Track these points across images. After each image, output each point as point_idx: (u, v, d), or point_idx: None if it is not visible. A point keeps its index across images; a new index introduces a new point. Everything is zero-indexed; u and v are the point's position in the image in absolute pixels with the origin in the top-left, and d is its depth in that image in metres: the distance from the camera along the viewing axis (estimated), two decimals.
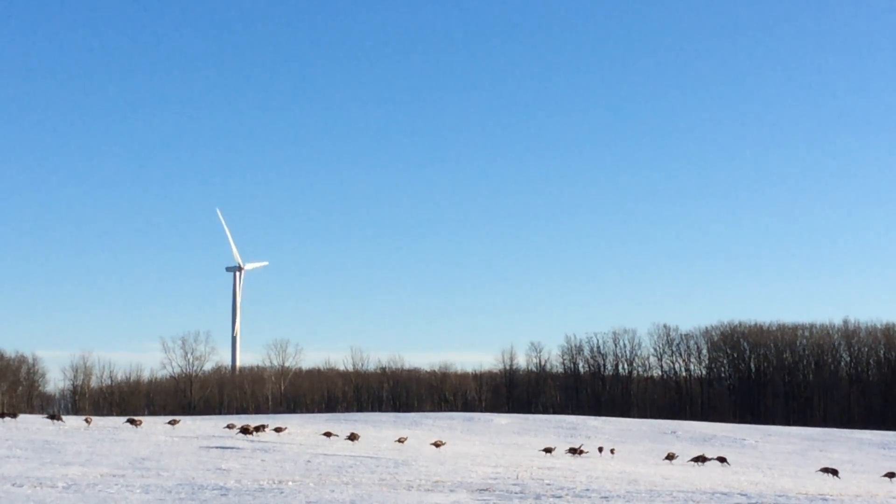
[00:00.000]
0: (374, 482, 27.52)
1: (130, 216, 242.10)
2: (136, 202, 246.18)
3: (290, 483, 26.52)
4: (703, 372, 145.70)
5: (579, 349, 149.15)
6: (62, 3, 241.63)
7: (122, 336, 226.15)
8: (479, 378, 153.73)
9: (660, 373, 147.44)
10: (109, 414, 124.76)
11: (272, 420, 69.40)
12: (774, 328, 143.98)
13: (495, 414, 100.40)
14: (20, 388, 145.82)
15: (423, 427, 72.84)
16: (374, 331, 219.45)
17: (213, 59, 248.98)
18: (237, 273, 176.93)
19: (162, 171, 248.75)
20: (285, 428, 52.08)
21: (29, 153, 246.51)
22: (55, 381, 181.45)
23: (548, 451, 48.58)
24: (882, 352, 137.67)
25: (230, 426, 52.53)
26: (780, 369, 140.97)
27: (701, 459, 46.25)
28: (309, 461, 34.36)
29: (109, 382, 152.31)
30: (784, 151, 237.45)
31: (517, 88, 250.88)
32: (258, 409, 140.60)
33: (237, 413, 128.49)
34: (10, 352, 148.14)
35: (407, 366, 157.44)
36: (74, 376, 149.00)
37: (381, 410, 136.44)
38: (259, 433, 48.23)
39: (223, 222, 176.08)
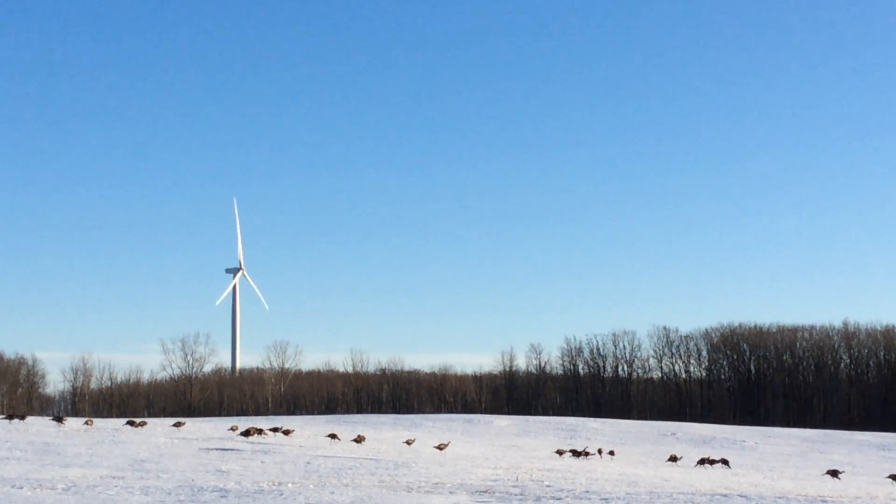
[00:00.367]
0: (374, 484, 27.51)
1: (130, 218, 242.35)
2: (135, 203, 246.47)
3: (290, 485, 26.51)
4: (703, 374, 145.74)
5: (579, 351, 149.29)
6: (62, 3, 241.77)
7: (121, 337, 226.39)
8: (479, 380, 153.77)
9: (659, 374, 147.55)
10: (109, 416, 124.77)
11: (274, 422, 69.35)
12: (774, 330, 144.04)
13: (495, 416, 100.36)
14: (20, 389, 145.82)
15: (422, 429, 72.80)
16: (373, 332, 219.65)
17: (213, 61, 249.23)
18: (237, 274, 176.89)
19: (162, 173, 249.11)
20: (293, 430, 51.57)
21: (29, 154, 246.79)
22: (55, 382, 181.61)
23: (560, 452, 48.96)
24: (882, 353, 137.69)
25: (233, 428, 52.49)
26: (780, 371, 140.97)
27: (709, 462, 46.05)
28: (309, 463, 34.35)
29: (109, 384, 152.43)
30: (784, 153, 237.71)
31: (517, 89, 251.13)
32: (258, 411, 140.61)
33: (237, 415, 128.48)
34: (9, 353, 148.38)
35: (407, 367, 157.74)
36: (74, 378, 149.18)
37: (380, 412, 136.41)
38: (261, 435, 47.95)
39: (237, 214, 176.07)
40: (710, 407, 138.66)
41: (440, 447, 45.99)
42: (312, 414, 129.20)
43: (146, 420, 60.83)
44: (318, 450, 41.61)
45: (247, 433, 47.52)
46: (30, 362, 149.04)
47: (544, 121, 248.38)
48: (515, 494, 25.52)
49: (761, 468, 50.71)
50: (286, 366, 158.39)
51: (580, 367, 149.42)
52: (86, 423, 54.45)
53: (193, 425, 57.78)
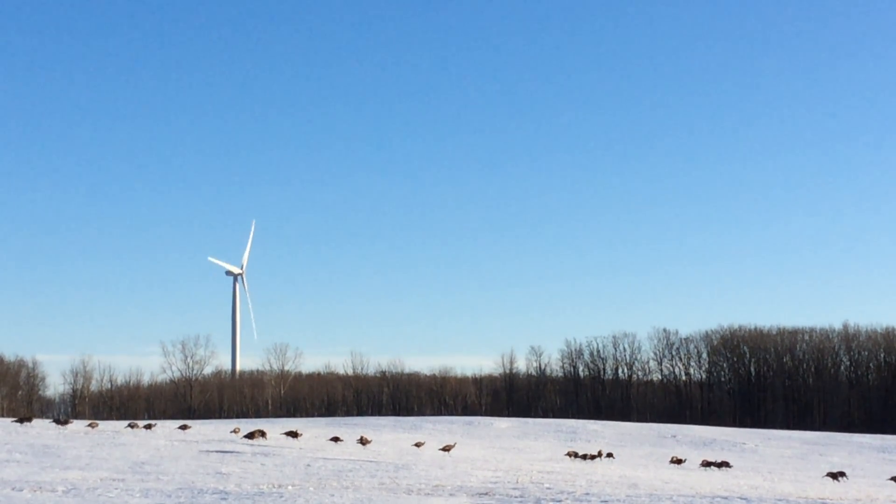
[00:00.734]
0: (375, 486, 27.51)
1: (130, 220, 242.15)
2: (135, 205, 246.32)
3: (290, 487, 26.51)
4: (703, 376, 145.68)
5: (579, 353, 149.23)
6: (62, 4, 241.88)
7: (121, 340, 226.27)
8: (479, 382, 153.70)
9: (660, 377, 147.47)
10: (109, 418, 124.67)
11: (276, 424, 69.32)
12: (774, 332, 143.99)
13: (495, 418, 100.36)
14: (20, 392, 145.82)
15: (423, 431, 72.83)
16: (373, 335, 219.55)
17: (214, 62, 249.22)
18: (237, 278, 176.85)
19: (162, 174, 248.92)
20: (301, 433, 51.23)
21: (29, 156, 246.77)
22: (55, 385, 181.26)
23: (570, 455, 49.06)
24: (882, 356, 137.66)
25: (235, 430, 52.42)
26: (780, 373, 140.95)
27: (715, 465, 45.92)
28: (309, 465, 34.35)
29: (109, 386, 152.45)
30: (784, 155, 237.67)
31: (517, 91, 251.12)
32: (258, 414, 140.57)
33: (237, 417, 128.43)
34: (9, 356, 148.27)
35: (407, 370, 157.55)
36: (74, 380, 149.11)
37: (380, 414, 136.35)
38: (264, 438, 47.76)
39: (252, 233, 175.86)
40: (710, 409, 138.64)
41: (446, 449, 45.76)
42: (312, 416, 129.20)
43: (153, 423, 60.91)
44: (318, 452, 41.61)
45: (250, 436, 47.36)
46: (30, 365, 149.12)
47: (545, 123, 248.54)
48: (515, 497, 25.51)
49: (761, 470, 50.70)
50: (286, 368, 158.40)
51: (580, 369, 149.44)
52: (89, 425, 54.47)
53: (194, 427, 57.84)
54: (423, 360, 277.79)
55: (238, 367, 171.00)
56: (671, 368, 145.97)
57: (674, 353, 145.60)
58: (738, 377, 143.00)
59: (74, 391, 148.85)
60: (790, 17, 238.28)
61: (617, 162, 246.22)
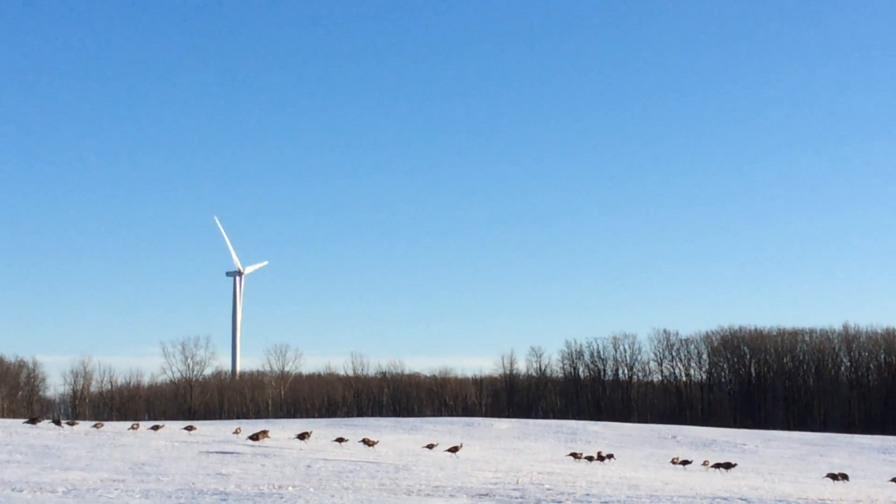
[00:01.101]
0: (375, 487, 27.50)
1: (130, 220, 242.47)
2: (135, 206, 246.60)
3: (291, 488, 26.51)
4: (704, 377, 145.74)
5: (579, 354, 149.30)
6: (63, 4, 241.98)
7: (122, 341, 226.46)
8: (480, 383, 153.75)
9: (660, 378, 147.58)
10: (109, 419, 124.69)
11: (274, 425, 69.31)
12: (775, 333, 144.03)
13: (495, 419, 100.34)
14: (20, 392, 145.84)
15: (423, 432, 72.83)
16: (374, 336, 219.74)
17: (213, 62, 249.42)
18: (237, 278, 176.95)
19: (162, 175, 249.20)
20: (310, 433, 51.03)
21: (29, 156, 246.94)
22: (55, 385, 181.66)
23: (575, 455, 49.12)
24: (882, 356, 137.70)
25: (236, 431, 52.38)
26: (781, 374, 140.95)
27: (724, 466, 45.79)
28: (309, 466, 34.34)
29: (109, 387, 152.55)
30: (784, 156, 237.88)
31: (517, 91, 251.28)
32: (258, 415, 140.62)
33: (237, 418, 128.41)
34: (9, 356, 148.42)
35: (407, 370, 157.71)
36: (74, 381, 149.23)
37: (381, 415, 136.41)
38: (267, 438, 47.59)
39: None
40: (710, 410, 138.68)
41: (453, 450, 45.47)
42: (313, 417, 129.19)
43: (160, 423, 60.92)
44: (319, 453, 41.59)
45: (255, 437, 47.17)
46: (30, 365, 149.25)
47: (545, 123, 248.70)
48: (516, 497, 25.50)
49: (762, 471, 50.69)
50: (286, 369, 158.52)
51: (580, 370, 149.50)
52: (95, 426, 54.48)
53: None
54: (423, 360, 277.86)
55: (238, 368, 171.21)
56: (671, 369, 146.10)
57: (674, 353, 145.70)
58: (739, 378, 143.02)
59: (75, 392, 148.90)
60: (790, 17, 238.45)
61: (617, 162, 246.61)
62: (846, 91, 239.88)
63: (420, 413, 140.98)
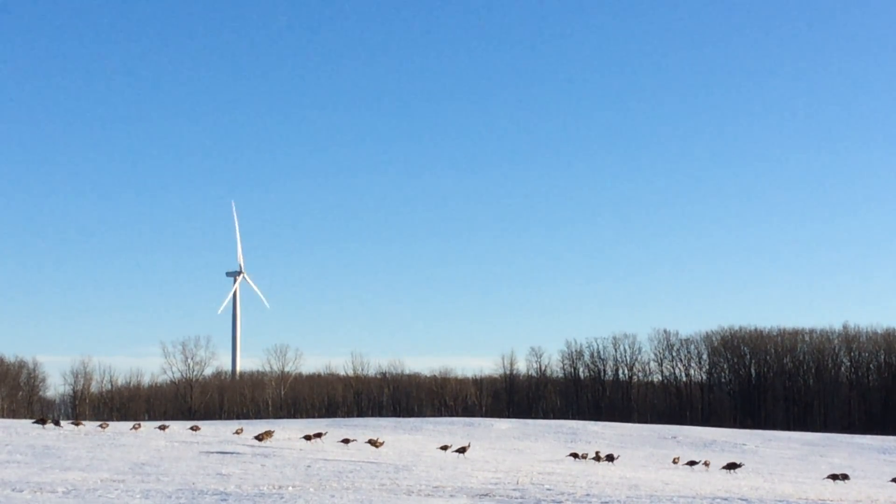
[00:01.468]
0: (375, 487, 27.50)
1: (130, 220, 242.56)
2: (136, 206, 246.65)
3: (291, 488, 26.50)
4: (704, 377, 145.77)
5: (580, 354, 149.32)
6: (63, 4, 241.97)
7: (122, 341, 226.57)
8: (480, 383, 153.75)
9: (660, 378, 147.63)
10: (110, 419, 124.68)
11: (275, 425, 69.29)
12: (775, 333, 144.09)
13: (496, 419, 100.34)
14: (20, 393, 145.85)
15: (423, 432, 72.84)
16: (374, 336, 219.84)
17: (213, 63, 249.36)
18: (237, 278, 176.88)
19: (162, 175, 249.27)
20: (323, 434, 50.81)
21: (29, 157, 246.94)
22: (55, 386, 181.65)
23: (574, 456, 49.14)
24: (882, 357, 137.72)
25: (238, 431, 52.32)
26: (781, 374, 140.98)
27: (731, 467, 45.73)
28: (309, 466, 34.34)
29: (110, 387, 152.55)
30: (784, 156, 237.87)
31: (516, 92, 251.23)
32: (258, 415, 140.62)
33: (237, 418, 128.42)
34: (10, 357, 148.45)
35: (407, 371, 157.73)
36: (75, 381, 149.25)
37: (381, 416, 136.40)
38: (271, 438, 47.46)
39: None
40: (710, 410, 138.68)
41: (461, 450, 45.25)
42: (313, 417, 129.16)
43: (167, 423, 60.95)
44: (319, 453, 41.58)
45: (260, 437, 47.01)
46: (30, 365, 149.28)
47: (545, 123, 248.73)
48: (516, 498, 25.50)
49: (762, 471, 50.69)
50: (286, 369, 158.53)
51: (581, 370, 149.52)
52: (100, 426, 54.44)
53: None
54: (423, 360, 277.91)
55: (238, 368, 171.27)
56: (671, 369, 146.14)
57: (674, 354, 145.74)
58: (739, 378, 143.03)
59: (75, 392, 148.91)
60: (790, 17, 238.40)
61: (617, 162, 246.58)
62: (846, 91, 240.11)
63: (420, 413, 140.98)
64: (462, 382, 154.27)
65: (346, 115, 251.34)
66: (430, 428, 77.68)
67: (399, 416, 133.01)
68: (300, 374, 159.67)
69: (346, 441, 48.56)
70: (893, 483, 41.24)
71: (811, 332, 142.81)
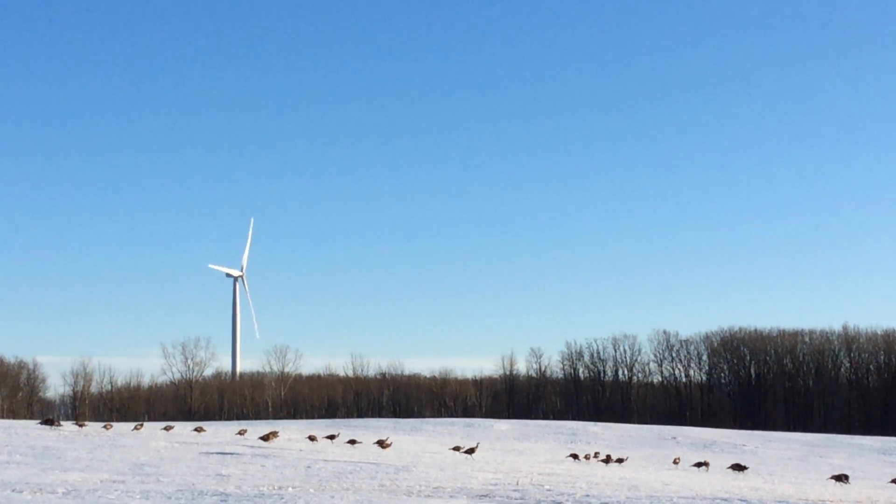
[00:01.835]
0: (375, 488, 27.49)
1: (131, 221, 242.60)
2: (136, 206, 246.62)
3: (291, 489, 26.50)
4: (704, 378, 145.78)
5: (579, 355, 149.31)
6: (63, 4, 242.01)
7: (122, 341, 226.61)
8: (480, 384, 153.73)
9: (660, 379, 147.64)
10: (110, 419, 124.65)
11: (274, 426, 69.25)
12: (774, 334, 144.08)
13: (495, 420, 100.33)
14: (20, 393, 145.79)
15: (423, 433, 72.84)
16: (374, 336, 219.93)
17: (215, 64, 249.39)
18: (237, 280, 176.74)
19: (162, 175, 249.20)
20: (337, 434, 50.58)
21: (29, 157, 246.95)
22: (55, 386, 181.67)
23: (574, 456, 49.26)
24: (882, 358, 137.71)
25: (241, 432, 52.24)
26: (781, 375, 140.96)
27: (738, 467, 45.71)
28: (309, 467, 34.33)
29: (110, 388, 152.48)
30: (784, 156, 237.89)
31: (518, 92, 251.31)
32: (258, 415, 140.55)
33: (237, 419, 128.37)
34: (10, 357, 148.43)
35: (407, 371, 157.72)
36: (75, 382, 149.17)
37: (381, 416, 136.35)
38: (276, 439, 47.31)
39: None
40: (710, 411, 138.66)
41: (470, 451, 45.06)
42: (313, 418, 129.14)
43: (172, 424, 61.00)
44: (319, 454, 41.57)
45: (266, 437, 46.89)
46: (30, 366, 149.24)
47: (545, 124, 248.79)
48: (516, 498, 25.49)
49: (762, 472, 50.68)
50: (286, 370, 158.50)
51: (580, 371, 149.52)
52: (105, 426, 54.33)
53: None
54: (423, 361, 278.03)
55: (238, 369, 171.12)
56: (671, 370, 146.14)
57: (674, 354, 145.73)
58: (739, 379, 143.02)
59: (75, 393, 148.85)
60: (790, 17, 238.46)
61: (617, 163, 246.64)
62: (846, 91, 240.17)
63: (420, 414, 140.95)
64: (462, 383, 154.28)
65: (347, 115, 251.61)
66: (430, 429, 77.68)
67: (399, 416, 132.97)
68: (300, 375, 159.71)
69: (352, 442, 48.53)
70: (893, 484, 41.22)
71: (811, 332, 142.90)
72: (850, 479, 42.46)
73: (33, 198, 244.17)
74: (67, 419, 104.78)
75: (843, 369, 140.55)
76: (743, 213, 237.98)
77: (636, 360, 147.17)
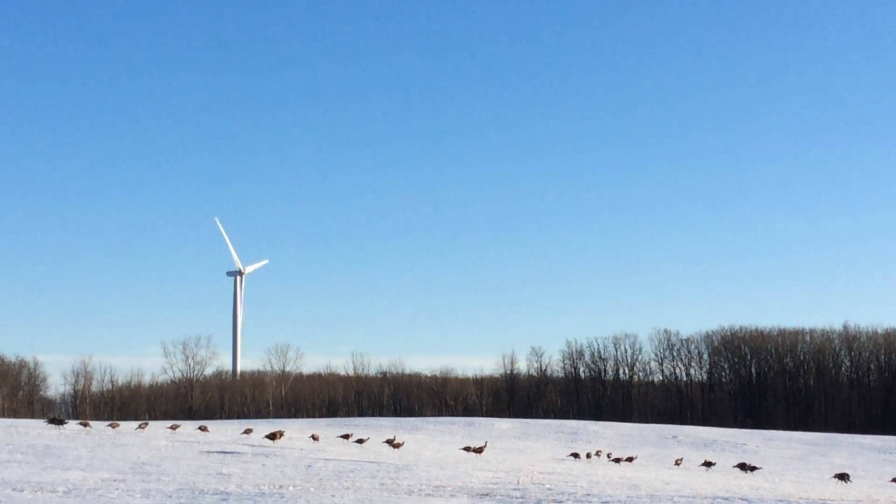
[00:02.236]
0: (375, 487, 27.49)
1: (131, 220, 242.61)
2: (136, 206, 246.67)
3: (291, 488, 26.50)
4: (704, 377, 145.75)
5: (580, 354, 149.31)
6: (63, 4, 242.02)
7: (122, 340, 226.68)
8: (480, 383, 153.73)
9: (661, 378, 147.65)
10: (110, 418, 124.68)
11: (275, 425, 69.26)
12: (775, 333, 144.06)
13: (496, 419, 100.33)
14: (21, 392, 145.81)
15: (424, 432, 72.84)
16: (374, 335, 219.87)
17: (214, 64, 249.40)
18: (238, 278, 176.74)
19: (162, 175, 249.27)
20: (351, 434, 50.55)
21: (29, 157, 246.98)
22: (56, 385, 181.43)
23: (576, 455, 49.43)
24: (883, 357, 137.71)
25: (246, 431, 52.20)
26: (781, 374, 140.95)
27: (742, 467, 45.70)
28: (310, 466, 34.32)
29: (110, 387, 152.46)
30: (785, 156, 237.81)
31: (517, 91, 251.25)
32: (259, 414, 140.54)
33: (238, 418, 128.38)
34: (10, 356, 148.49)
35: (408, 370, 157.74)
36: (75, 381, 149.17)
37: (381, 415, 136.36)
38: (281, 438, 47.25)
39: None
40: (711, 410, 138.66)
41: (478, 451, 44.83)
42: (314, 417, 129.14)
43: (178, 423, 60.99)
44: (319, 453, 41.57)
45: (272, 436, 46.81)
46: (31, 365, 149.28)
47: (545, 124, 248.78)
48: (516, 497, 25.49)
49: (762, 471, 50.68)
50: (287, 369, 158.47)
51: (581, 370, 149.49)
52: (110, 425, 54.23)
53: (192, 428, 57.69)
54: (423, 360, 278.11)
55: (239, 368, 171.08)
56: (672, 369, 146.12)
57: (675, 353, 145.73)
58: (739, 378, 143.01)
59: (75, 392, 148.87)
60: (790, 17, 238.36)
61: (617, 162, 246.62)
62: (846, 91, 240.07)
63: (421, 413, 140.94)
64: (463, 382, 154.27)
65: (347, 115, 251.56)
66: (431, 428, 77.68)
67: (399, 415, 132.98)
68: (301, 374, 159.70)
69: (360, 441, 48.47)
70: (894, 483, 41.23)
71: (811, 331, 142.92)
72: (851, 478, 42.48)
73: (33, 198, 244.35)
74: (68, 418, 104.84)
75: (843, 368, 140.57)
76: (743, 212, 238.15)
77: (637, 359, 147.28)
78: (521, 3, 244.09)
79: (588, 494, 26.72)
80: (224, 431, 56.14)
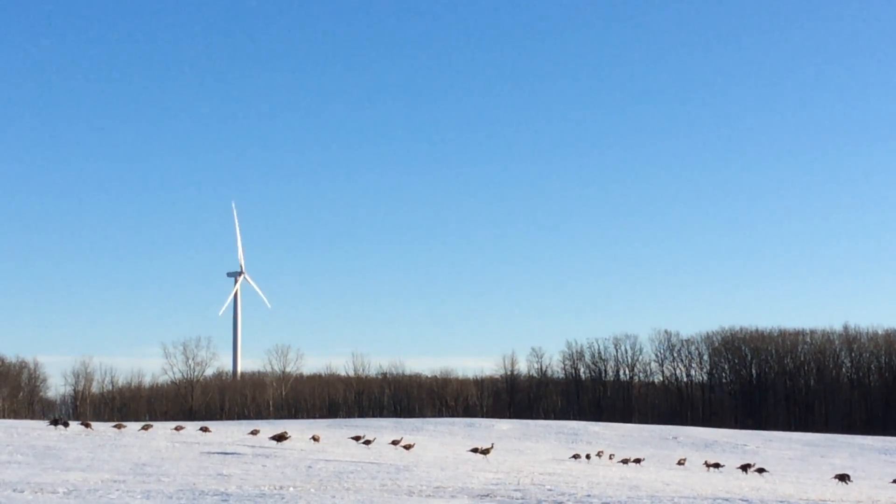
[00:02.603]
0: (376, 488, 27.48)
1: (131, 221, 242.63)
2: (136, 206, 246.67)
3: (292, 489, 26.49)
4: (705, 377, 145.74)
5: (580, 355, 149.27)
6: (63, 4, 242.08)
7: (123, 341, 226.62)
8: (481, 384, 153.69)
9: (661, 378, 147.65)
10: (111, 419, 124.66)
11: (276, 425, 69.23)
12: (776, 334, 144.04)
13: (496, 419, 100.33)
14: (21, 393, 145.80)
15: (424, 433, 72.82)
16: (375, 336, 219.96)
17: (213, 64, 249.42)
18: (238, 278, 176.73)
19: (163, 176, 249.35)
20: (363, 436, 50.32)
21: (30, 157, 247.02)
22: (56, 386, 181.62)
23: (577, 456, 49.44)
24: (883, 357, 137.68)
25: (253, 432, 52.19)
26: (782, 375, 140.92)
27: (744, 468, 45.79)
28: (310, 467, 34.31)
29: (111, 388, 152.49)
30: (784, 156, 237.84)
31: (518, 92, 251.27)
32: (259, 415, 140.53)
33: (238, 419, 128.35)
34: (11, 357, 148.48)
35: (408, 371, 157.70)
36: (76, 382, 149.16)
37: (382, 416, 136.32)
38: (287, 440, 47.18)
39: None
40: (711, 411, 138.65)
41: (485, 451, 44.65)
42: (314, 418, 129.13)
43: (182, 424, 60.97)
44: (320, 454, 41.56)
45: (278, 438, 46.73)
46: (31, 366, 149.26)
47: (546, 124, 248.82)
48: (517, 498, 25.48)
49: (762, 472, 50.60)
50: (287, 369, 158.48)
51: (582, 370, 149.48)
52: (116, 426, 54.20)
53: (192, 429, 57.68)
54: (424, 361, 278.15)
55: (239, 369, 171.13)
56: (672, 370, 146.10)
57: (675, 354, 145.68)
58: (740, 378, 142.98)
59: (76, 392, 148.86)
60: (790, 17, 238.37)
61: (618, 163, 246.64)
62: (846, 91, 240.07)
63: (421, 414, 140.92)
64: (463, 383, 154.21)
65: (347, 115, 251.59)
66: (431, 428, 77.69)
67: (400, 416, 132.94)
68: (301, 375, 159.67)
69: (367, 442, 48.41)
70: (895, 484, 41.20)
71: (812, 332, 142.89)
72: (852, 479, 42.46)
73: (33, 198, 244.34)
74: (68, 419, 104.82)
75: (844, 369, 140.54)
76: (743, 212, 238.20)
77: (637, 359, 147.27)
78: (522, 3, 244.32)
79: (588, 495, 26.70)
80: (226, 432, 56.14)
